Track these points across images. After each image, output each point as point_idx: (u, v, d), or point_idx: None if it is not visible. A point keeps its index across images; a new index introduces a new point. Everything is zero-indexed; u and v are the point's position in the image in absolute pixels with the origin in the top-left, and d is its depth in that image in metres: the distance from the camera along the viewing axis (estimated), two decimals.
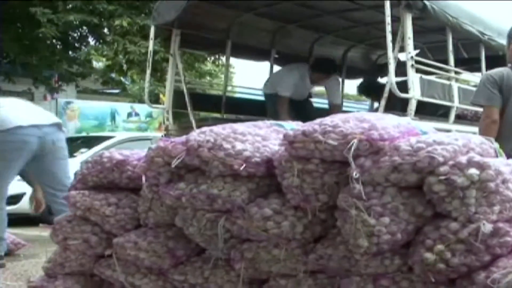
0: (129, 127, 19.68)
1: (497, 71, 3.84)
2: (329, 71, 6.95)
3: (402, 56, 5.57)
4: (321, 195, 2.18)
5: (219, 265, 2.48)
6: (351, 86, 9.58)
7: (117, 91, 18.73)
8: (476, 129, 3.89)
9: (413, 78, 5.16)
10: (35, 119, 5.01)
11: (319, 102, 8.63)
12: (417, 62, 5.25)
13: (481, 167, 1.96)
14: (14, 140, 4.88)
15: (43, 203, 5.79)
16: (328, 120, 2.18)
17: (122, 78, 15.26)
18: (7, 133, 4.86)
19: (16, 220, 8.00)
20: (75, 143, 10.69)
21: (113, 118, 20.14)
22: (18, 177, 8.79)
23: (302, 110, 6.86)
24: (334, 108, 7.05)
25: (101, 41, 13.34)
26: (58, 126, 5.23)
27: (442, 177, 1.96)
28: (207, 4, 6.71)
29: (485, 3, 7.45)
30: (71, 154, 9.53)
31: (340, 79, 8.33)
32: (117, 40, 11.82)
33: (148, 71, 6.97)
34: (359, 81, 9.26)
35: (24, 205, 8.46)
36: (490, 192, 1.96)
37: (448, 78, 5.93)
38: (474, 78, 7.07)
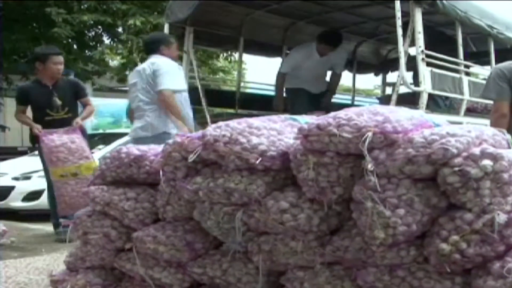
0: None
1: (506, 64, 3.83)
2: (334, 43, 6.94)
3: (411, 51, 5.59)
4: (337, 187, 2.21)
5: (237, 258, 2.51)
6: (362, 80, 9.58)
7: None
8: (486, 121, 3.89)
9: (424, 72, 5.18)
10: None
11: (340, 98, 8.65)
12: (427, 56, 5.26)
13: (495, 158, 1.98)
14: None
15: None
16: (342, 113, 2.20)
17: None
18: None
19: (37, 216, 8.09)
20: (93, 140, 10.76)
21: (128, 115, 20.25)
22: (38, 173, 8.93)
23: (319, 104, 6.87)
24: (333, 77, 7.45)
25: (115, 40, 13.42)
26: None
27: (456, 169, 1.99)
28: (219, 2, 6.75)
29: (494, 3, 7.42)
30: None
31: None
32: (131, 38, 11.91)
33: None
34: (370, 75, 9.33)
35: (44, 201, 8.56)
36: (504, 183, 1.98)
37: (458, 72, 5.94)
38: (484, 71, 7.06)
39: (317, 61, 6.95)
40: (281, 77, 7.15)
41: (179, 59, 7.42)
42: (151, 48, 5.32)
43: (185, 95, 5.24)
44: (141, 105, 5.12)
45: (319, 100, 7.08)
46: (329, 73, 7.55)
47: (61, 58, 6.19)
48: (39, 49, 6.78)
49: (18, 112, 6.30)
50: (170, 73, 5.05)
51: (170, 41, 5.39)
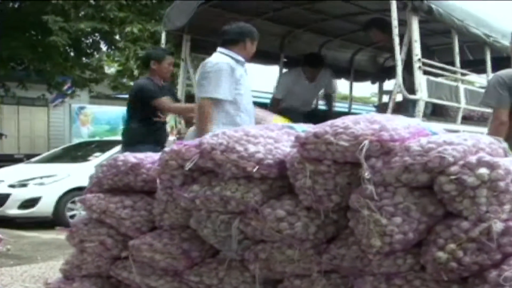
0: None
1: (506, 72, 3.82)
2: (316, 65, 7.05)
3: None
4: (334, 196, 2.21)
5: (233, 266, 2.51)
6: (359, 88, 9.59)
7: None
8: (482, 129, 3.89)
9: (421, 80, 5.19)
10: None
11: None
12: (424, 64, 5.27)
13: (491, 166, 1.98)
14: None
15: None
16: (339, 121, 2.21)
17: (132, 83, 15.36)
18: None
19: (33, 224, 8.09)
20: (89, 148, 10.81)
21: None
22: (35, 181, 8.92)
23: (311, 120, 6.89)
24: (329, 99, 7.63)
25: (112, 47, 13.43)
26: None
27: (453, 177, 1.99)
28: (216, 10, 6.75)
29: (490, 3, 7.44)
30: (85, 158, 9.66)
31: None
32: (128, 46, 11.91)
33: None
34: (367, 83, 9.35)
35: (40, 209, 8.58)
36: (500, 191, 1.98)
37: (455, 80, 5.95)
38: (480, 79, 7.08)
39: (306, 86, 7.09)
40: (276, 102, 7.21)
41: (176, 66, 7.44)
42: (232, 39, 4.78)
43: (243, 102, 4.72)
44: None
45: (311, 115, 7.12)
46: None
47: (173, 59, 6.14)
48: (153, 50, 6.75)
49: (163, 103, 5.78)
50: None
51: (255, 38, 4.85)
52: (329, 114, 7.25)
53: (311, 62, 7.07)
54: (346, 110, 9.03)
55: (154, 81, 5.92)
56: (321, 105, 8.17)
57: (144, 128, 5.68)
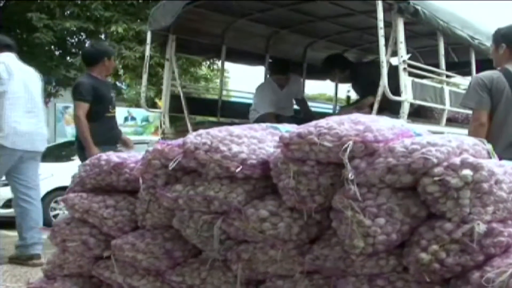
0: (126, 131, 19.71)
1: (487, 74, 3.86)
2: (284, 71, 7.14)
3: (394, 61, 5.62)
4: (317, 196, 2.20)
5: (216, 266, 2.49)
6: (344, 90, 9.57)
7: None
8: (466, 131, 3.92)
9: (406, 82, 5.21)
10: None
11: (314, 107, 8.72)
12: (409, 65, 5.29)
13: (475, 168, 1.98)
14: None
15: None
16: (323, 122, 2.20)
17: (117, 83, 15.29)
18: None
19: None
20: (73, 147, 10.72)
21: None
22: None
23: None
24: (301, 104, 7.69)
25: None
26: None
27: (436, 178, 1.98)
28: (202, 10, 6.75)
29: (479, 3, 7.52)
30: (69, 158, 9.60)
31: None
32: (113, 45, 11.88)
33: (145, 76, 7.00)
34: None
35: None
36: (483, 193, 1.97)
37: (440, 82, 5.99)
38: (465, 81, 7.13)
39: (280, 93, 7.14)
40: (268, 116, 6.96)
41: (161, 66, 7.39)
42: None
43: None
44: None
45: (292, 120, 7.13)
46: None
47: None
48: (105, 46, 6.81)
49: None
50: None
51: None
52: (311, 115, 7.27)
53: (278, 69, 7.21)
54: (331, 111, 9.05)
55: (99, 79, 6.07)
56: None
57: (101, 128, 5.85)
